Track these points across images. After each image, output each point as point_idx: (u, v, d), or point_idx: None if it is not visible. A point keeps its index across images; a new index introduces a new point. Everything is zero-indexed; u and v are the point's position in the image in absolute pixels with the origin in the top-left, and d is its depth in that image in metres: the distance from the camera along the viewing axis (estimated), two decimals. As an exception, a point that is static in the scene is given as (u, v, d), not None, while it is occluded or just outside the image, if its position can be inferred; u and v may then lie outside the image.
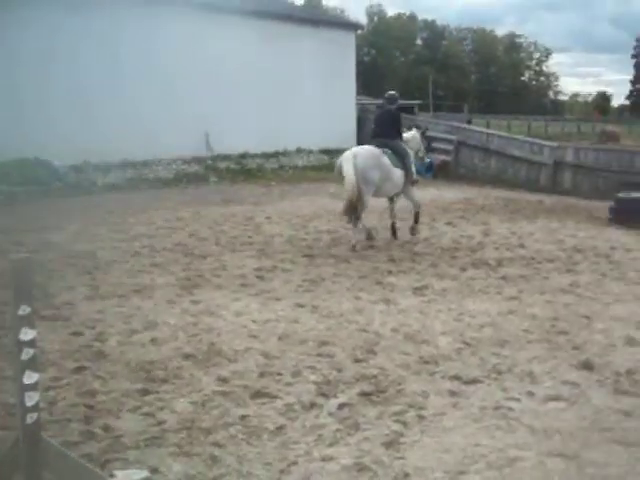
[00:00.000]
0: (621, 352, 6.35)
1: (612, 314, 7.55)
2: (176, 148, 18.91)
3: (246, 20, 20.83)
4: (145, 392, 5.14)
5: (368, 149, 11.03)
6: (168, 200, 15.21)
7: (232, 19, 20.40)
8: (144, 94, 18.50)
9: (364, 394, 5.21)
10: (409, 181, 11.52)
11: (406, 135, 12.07)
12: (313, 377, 5.50)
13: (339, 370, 5.66)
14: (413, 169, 11.64)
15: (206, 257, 9.81)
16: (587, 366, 5.93)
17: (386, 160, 10.95)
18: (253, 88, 21.04)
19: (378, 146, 11.09)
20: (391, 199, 11.81)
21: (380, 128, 11.58)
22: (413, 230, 11.67)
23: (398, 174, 11.19)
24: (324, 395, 5.17)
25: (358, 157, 10.66)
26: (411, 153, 11.80)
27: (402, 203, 12.25)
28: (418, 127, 12.97)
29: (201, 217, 13.15)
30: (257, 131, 20.74)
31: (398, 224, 11.82)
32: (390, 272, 9.16)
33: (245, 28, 20.73)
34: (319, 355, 5.99)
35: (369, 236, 11.20)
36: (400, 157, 11.29)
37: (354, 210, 10.64)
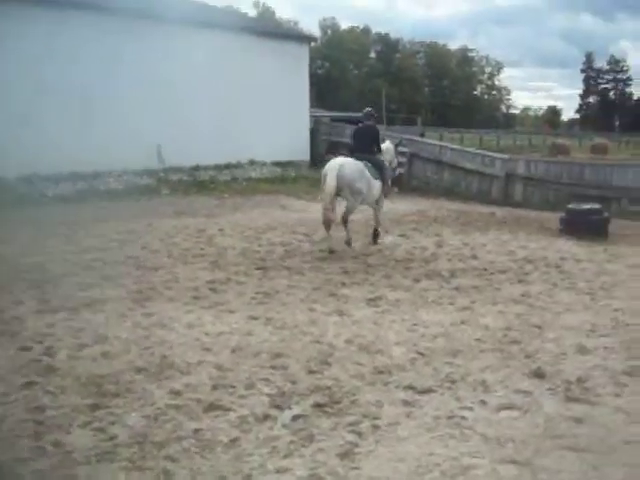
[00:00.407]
0: (572, 360, 6.44)
1: (563, 323, 7.66)
2: (127, 160, 18.69)
3: (199, 32, 20.76)
4: (96, 407, 5.05)
5: (352, 162, 11.49)
6: (119, 212, 15.04)
7: (185, 31, 20.30)
8: (95, 105, 18.31)
9: (318, 405, 5.20)
10: (384, 192, 12.26)
11: (382, 146, 12.63)
12: (267, 389, 5.48)
13: (293, 382, 5.65)
14: (389, 182, 12.42)
15: (158, 269, 9.70)
16: (539, 374, 6.01)
17: (367, 172, 11.53)
18: (206, 100, 20.96)
19: (359, 159, 11.59)
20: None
21: (360, 142, 12.13)
22: (375, 238, 12.33)
23: (377, 185, 11.89)
24: (278, 407, 5.15)
25: (345, 168, 11.19)
26: (387, 165, 12.50)
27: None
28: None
29: (153, 229, 13.01)
30: (210, 143, 20.64)
31: (354, 237, 11.96)
32: (344, 284, 9.18)
33: (198, 40, 20.65)
34: (273, 367, 5.97)
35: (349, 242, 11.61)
36: (379, 169, 11.93)
37: (330, 221, 11.14)
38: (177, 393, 5.34)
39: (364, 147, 12.00)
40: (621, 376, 6.07)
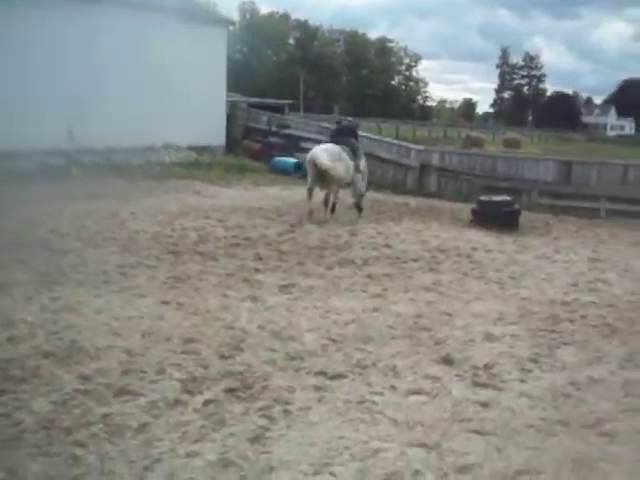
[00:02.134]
0: (480, 347, 6.64)
1: (472, 311, 7.88)
2: (39, 140, 18.09)
3: (113, 10, 20.19)
4: (1, 392, 4.92)
5: (332, 146, 13.66)
6: (29, 194, 14.54)
7: (98, 8, 19.71)
8: (5, 83, 17.62)
9: (230, 390, 5.21)
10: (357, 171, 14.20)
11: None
12: (178, 374, 5.44)
13: (205, 367, 5.63)
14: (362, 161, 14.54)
15: (67, 253, 9.41)
16: (447, 361, 6.17)
17: (345, 155, 13.62)
18: (120, 81, 20.37)
19: (338, 143, 13.78)
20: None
21: (339, 132, 14.86)
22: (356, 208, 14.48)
23: (351, 165, 13.87)
24: (189, 392, 5.14)
25: (328, 152, 13.31)
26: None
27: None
28: (287, 126, 15.10)
29: (63, 212, 12.62)
30: (125, 125, 20.11)
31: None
32: (257, 270, 9.15)
33: (112, 18, 20.07)
34: (184, 352, 5.92)
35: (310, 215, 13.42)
36: (353, 151, 14.06)
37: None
38: (86, 378, 5.24)
39: (343, 135, 14.51)
40: (526, 362, 6.29)
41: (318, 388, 5.38)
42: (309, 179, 13.51)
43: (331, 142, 14.04)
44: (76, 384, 5.13)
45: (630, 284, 9.91)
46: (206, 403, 4.96)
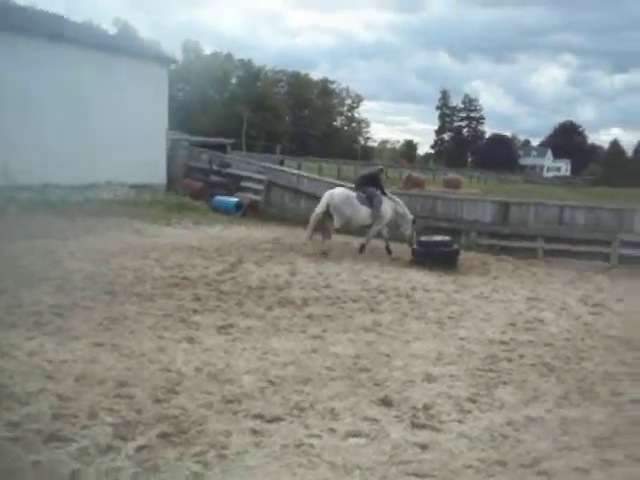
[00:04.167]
0: (419, 388, 6.65)
1: (411, 351, 7.90)
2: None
3: (53, 45, 19.99)
4: None
5: (344, 192, 15.78)
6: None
7: (39, 43, 19.52)
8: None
9: (164, 435, 5.09)
10: (374, 216, 15.83)
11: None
12: (110, 419, 5.29)
13: (138, 411, 5.49)
14: (380, 209, 15.90)
15: (0, 294, 9.15)
16: (386, 402, 6.15)
17: (355, 201, 15.50)
18: (59, 117, 20.15)
19: (358, 190, 15.95)
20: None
21: (362, 180, 16.60)
22: (363, 248, 15.77)
23: (364, 211, 15.61)
24: (122, 438, 4.99)
25: (335, 196, 15.42)
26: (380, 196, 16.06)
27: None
28: (229, 165, 16.27)
29: (-3, 251, 12.30)
30: (62, 162, 19.77)
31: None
32: (195, 311, 9.00)
33: (51, 53, 19.88)
34: (118, 396, 5.77)
35: (324, 251, 15.06)
36: (369, 199, 15.74)
37: (314, 233, 15.41)
38: (15, 425, 5.05)
39: (364, 183, 16.27)
40: (465, 403, 6.31)
41: (255, 432, 5.29)
42: (315, 211, 15.55)
43: (355, 189, 16.28)
44: (4, 431, 4.94)
45: (566, 323, 10.10)
46: (139, 449, 4.83)
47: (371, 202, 15.80)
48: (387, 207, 16.19)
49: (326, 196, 15.63)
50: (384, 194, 16.35)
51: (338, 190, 16.06)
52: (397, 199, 16.80)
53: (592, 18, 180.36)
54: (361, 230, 16.44)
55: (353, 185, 17.41)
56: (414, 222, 16.51)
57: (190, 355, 7.07)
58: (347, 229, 16.53)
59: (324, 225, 15.59)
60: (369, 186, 16.19)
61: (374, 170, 17.75)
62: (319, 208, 15.47)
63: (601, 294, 12.92)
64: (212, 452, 4.87)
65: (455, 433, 5.59)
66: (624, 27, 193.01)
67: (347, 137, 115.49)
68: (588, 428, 5.92)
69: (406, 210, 16.58)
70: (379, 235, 16.27)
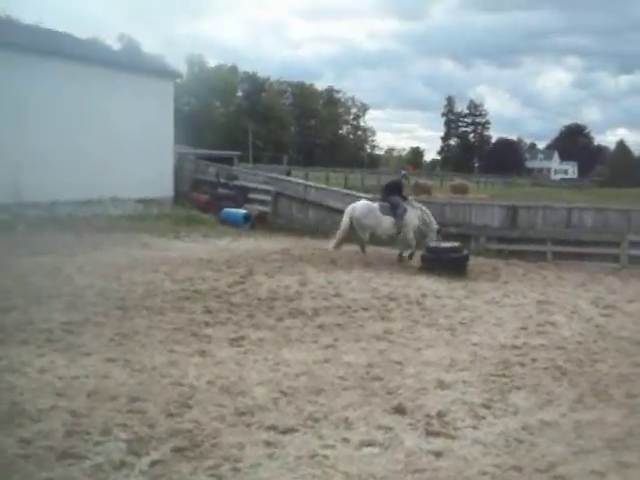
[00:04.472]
0: (432, 395, 6.62)
1: (423, 359, 7.87)
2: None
3: (59, 63, 20.14)
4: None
5: (365, 204, 16.38)
6: (-30, 251, 14.20)
7: (44, 61, 19.64)
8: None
9: (178, 449, 5.06)
10: (398, 226, 16.12)
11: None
12: (124, 435, 5.27)
13: (151, 426, 5.46)
14: (405, 218, 16.13)
15: (10, 311, 9.13)
16: (400, 410, 6.12)
17: (378, 212, 15.99)
18: (67, 133, 20.25)
19: (383, 200, 16.39)
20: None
21: (387, 189, 16.90)
22: (401, 258, 16.01)
23: (386, 221, 16.03)
24: (135, 453, 4.97)
25: (356, 210, 16.09)
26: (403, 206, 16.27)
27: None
28: (236, 177, 17.06)
29: (7, 268, 12.32)
30: (70, 178, 19.86)
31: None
32: (207, 323, 8.99)
33: (58, 70, 20.03)
34: (130, 411, 5.75)
35: (362, 249, 16.18)
36: (393, 208, 16.06)
37: (341, 245, 16.32)
38: (27, 441, 5.04)
39: (388, 192, 16.58)
40: (479, 409, 6.28)
41: (269, 444, 5.26)
42: (341, 226, 16.33)
43: (381, 199, 16.70)
44: (17, 448, 4.92)
45: (578, 325, 10.05)
46: (153, 464, 4.81)
47: (395, 212, 16.08)
48: (412, 216, 16.35)
49: (348, 209, 16.32)
50: (405, 200, 16.59)
51: (360, 203, 16.65)
52: (424, 208, 16.84)
53: (596, 20, 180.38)
54: (389, 239, 16.78)
55: (369, 195, 17.74)
56: (439, 232, 16.52)
57: (202, 368, 7.05)
58: (377, 239, 16.93)
59: (352, 237, 16.44)
60: (393, 195, 16.45)
61: (397, 178, 17.92)
62: (344, 223, 16.17)
63: (612, 295, 12.87)
64: (226, 465, 4.84)
65: (469, 439, 5.56)
66: (628, 29, 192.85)
67: (353, 146, 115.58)
68: (603, 431, 5.89)
69: (432, 219, 16.60)
70: (402, 242, 16.42)
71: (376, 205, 16.29)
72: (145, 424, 5.50)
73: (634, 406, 6.57)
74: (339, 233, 16.30)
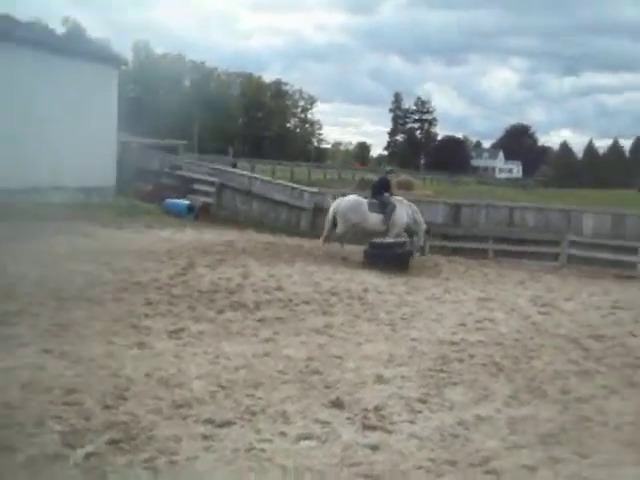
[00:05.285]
0: (370, 389, 6.65)
1: (363, 353, 7.91)
2: None
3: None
4: None
5: (353, 198, 16.58)
6: None
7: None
8: None
9: (113, 442, 5.00)
10: (387, 223, 16.21)
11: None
12: (59, 427, 5.18)
13: (87, 418, 5.39)
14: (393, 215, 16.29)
15: (-56, 302, 8.91)
16: (338, 404, 6.14)
17: (364, 207, 16.07)
18: (2, 119, 19.68)
19: (374, 197, 16.57)
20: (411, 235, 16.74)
21: (377, 186, 17.14)
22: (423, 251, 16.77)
23: (374, 217, 16.12)
24: (70, 445, 4.89)
25: (342, 202, 16.33)
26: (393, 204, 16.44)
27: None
28: (180, 167, 16.74)
29: None
30: (7, 165, 19.38)
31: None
32: (146, 315, 8.88)
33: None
34: (66, 403, 5.66)
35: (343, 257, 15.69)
36: (382, 206, 16.24)
37: (329, 239, 16.40)
38: (-42, 434, 4.93)
39: (377, 190, 16.79)
40: (415, 403, 6.34)
41: (205, 437, 5.24)
42: (326, 218, 16.62)
43: (371, 196, 16.76)
44: (-52, 440, 4.82)
45: (516, 323, 10.23)
46: (87, 456, 4.74)
47: (384, 209, 16.23)
48: (402, 214, 16.48)
49: (334, 203, 16.60)
50: (393, 197, 16.75)
51: (348, 197, 16.88)
52: (414, 206, 16.98)
53: (542, 22, 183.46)
54: (374, 236, 16.27)
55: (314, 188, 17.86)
56: (427, 232, 16.79)
57: (140, 360, 6.97)
58: (359, 236, 16.83)
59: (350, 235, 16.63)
60: (383, 192, 16.66)
61: (383, 175, 17.96)
62: (329, 215, 16.37)
63: (550, 294, 13.14)
64: (162, 458, 4.80)
65: (406, 434, 5.61)
66: (573, 31, 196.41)
67: (301, 139, 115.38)
68: (536, 426, 6.00)
69: (421, 218, 16.79)
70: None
71: (365, 201, 16.37)
72: (81, 416, 5.42)
73: (567, 402, 6.71)
74: (325, 228, 16.49)
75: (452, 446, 5.45)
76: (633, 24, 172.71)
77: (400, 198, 17.11)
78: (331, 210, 16.35)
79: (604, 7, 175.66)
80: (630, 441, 5.80)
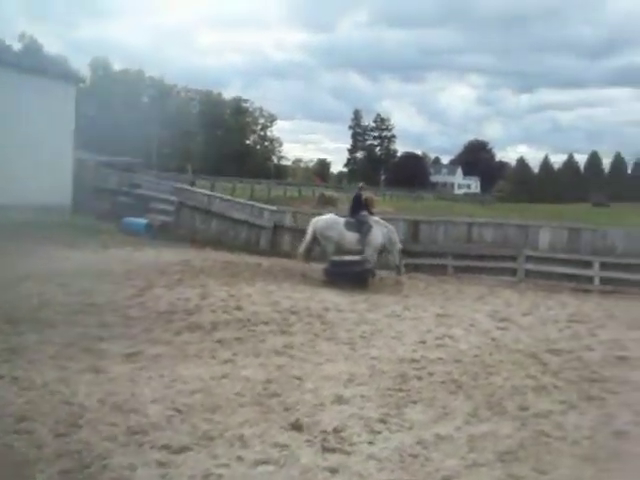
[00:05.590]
0: (329, 410, 6.60)
1: (322, 374, 7.85)
2: None
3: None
4: None
5: (330, 217, 16.82)
6: None
7: None
8: None
9: (65, 472, 4.90)
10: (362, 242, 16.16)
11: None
12: (10, 457, 5.04)
13: (39, 447, 5.27)
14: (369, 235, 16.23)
15: None
16: (297, 427, 6.08)
17: (341, 226, 16.19)
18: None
19: (352, 215, 16.62)
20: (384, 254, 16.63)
21: (354, 204, 17.09)
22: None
23: (350, 236, 16.14)
24: (21, 476, 4.76)
25: (319, 221, 16.46)
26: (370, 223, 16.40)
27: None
28: (138, 186, 16.37)
29: None
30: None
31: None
32: (101, 338, 8.70)
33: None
34: (16, 432, 5.53)
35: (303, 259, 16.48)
36: (359, 225, 16.28)
37: (307, 257, 16.44)
38: None
39: (353, 209, 16.85)
40: (375, 424, 6.30)
41: (161, 464, 5.14)
42: (305, 238, 16.55)
43: (349, 214, 16.93)
44: None
45: (475, 339, 10.25)
46: (39, 487, 4.61)
47: (360, 228, 16.27)
48: (377, 234, 16.42)
49: (313, 221, 16.68)
50: (371, 216, 16.75)
51: (325, 216, 17.13)
52: (391, 227, 16.93)
53: (498, 40, 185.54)
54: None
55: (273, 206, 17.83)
56: (402, 251, 16.69)
57: (94, 386, 6.83)
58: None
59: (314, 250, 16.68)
60: (359, 211, 16.70)
61: (358, 193, 17.79)
62: (307, 234, 16.50)
63: (509, 309, 13.23)
64: (116, 487, 4.70)
65: (365, 455, 5.57)
66: (528, 49, 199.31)
67: (261, 156, 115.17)
68: (495, 443, 6.00)
69: (397, 238, 16.72)
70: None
71: (342, 220, 16.48)
72: (32, 445, 5.29)
73: (526, 418, 6.73)
74: (303, 245, 16.53)
75: (411, 466, 5.42)
76: (585, 43, 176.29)
77: (377, 218, 17.02)
78: (310, 229, 16.45)
79: (558, 26, 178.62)
80: (587, 455, 5.84)
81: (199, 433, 5.77)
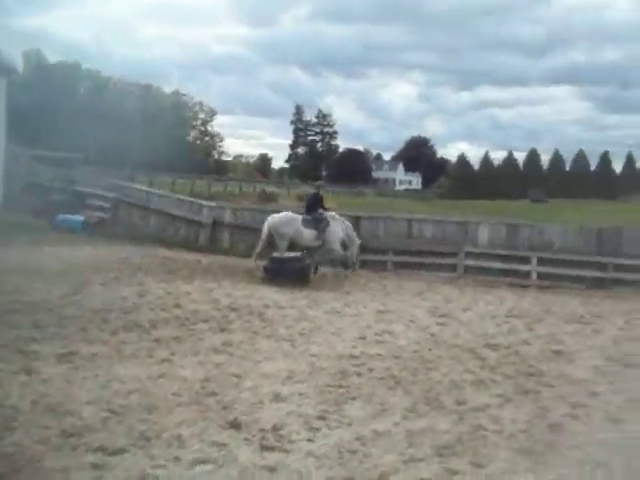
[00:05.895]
0: (268, 408, 6.58)
1: (261, 371, 7.83)
2: None
3: None
4: None
5: (285, 214, 16.64)
6: None
7: None
8: None
9: (-3, 476, 4.73)
10: (321, 238, 16.35)
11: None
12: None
13: (-32, 452, 5.09)
14: (327, 231, 16.43)
15: None
16: (235, 425, 6.05)
17: (298, 223, 16.10)
18: None
19: (308, 213, 16.59)
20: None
21: (310, 202, 17.22)
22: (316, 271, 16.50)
23: (307, 233, 16.17)
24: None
25: (275, 218, 16.27)
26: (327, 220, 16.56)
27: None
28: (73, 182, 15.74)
29: None
30: None
31: None
32: (33, 339, 8.45)
33: None
34: (-56, 437, 5.34)
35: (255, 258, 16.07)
36: (316, 222, 16.34)
37: (261, 255, 15.99)
38: None
39: (311, 207, 16.81)
40: (314, 421, 6.30)
41: (96, 466, 5.04)
42: (261, 236, 16.27)
43: (305, 211, 16.82)
44: None
45: (414, 334, 10.34)
46: (-35, 495, 4.47)
47: (317, 225, 16.34)
48: (336, 229, 16.64)
49: (268, 219, 16.40)
50: (327, 212, 16.91)
51: (280, 213, 16.92)
52: (346, 222, 17.07)
53: (441, 38, 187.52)
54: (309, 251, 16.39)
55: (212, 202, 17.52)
56: (360, 246, 16.82)
57: (27, 387, 6.65)
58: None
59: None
60: (315, 208, 16.74)
61: (315, 191, 18.02)
62: (263, 233, 16.21)
63: (448, 304, 13.38)
64: (48, 492, 4.59)
65: (304, 452, 5.56)
66: (470, 48, 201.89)
67: (201, 151, 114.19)
68: (433, 438, 6.06)
69: (354, 233, 16.91)
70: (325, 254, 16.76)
71: (299, 217, 16.40)
72: (-39, 450, 5.13)
73: (463, 412, 6.81)
74: (259, 244, 16.27)
75: (350, 463, 5.43)
76: (525, 41, 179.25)
77: (333, 214, 17.17)
78: (265, 227, 16.24)
79: (498, 25, 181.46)
80: (523, 448, 5.94)
81: (135, 434, 5.68)
